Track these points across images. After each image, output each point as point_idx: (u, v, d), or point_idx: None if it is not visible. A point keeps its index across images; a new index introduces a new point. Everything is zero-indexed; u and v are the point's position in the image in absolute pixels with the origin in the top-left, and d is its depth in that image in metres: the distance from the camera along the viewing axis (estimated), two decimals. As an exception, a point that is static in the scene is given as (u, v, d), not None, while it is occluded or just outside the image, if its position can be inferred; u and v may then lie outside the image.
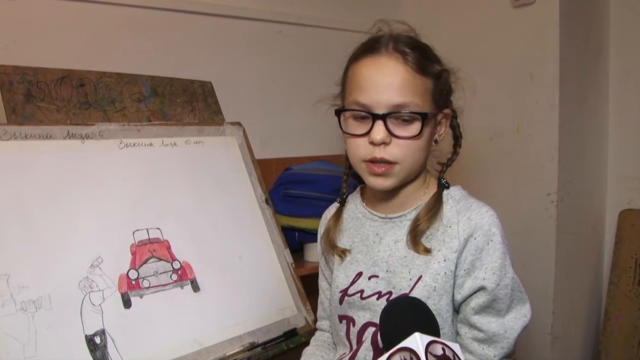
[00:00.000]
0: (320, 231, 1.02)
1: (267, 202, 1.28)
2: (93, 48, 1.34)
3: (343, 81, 0.90)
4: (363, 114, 0.83)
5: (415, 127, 0.82)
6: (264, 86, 1.67)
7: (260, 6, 1.64)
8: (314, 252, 1.40)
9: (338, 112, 0.87)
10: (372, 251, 0.90)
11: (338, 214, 0.99)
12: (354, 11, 1.83)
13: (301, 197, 1.41)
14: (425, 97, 0.83)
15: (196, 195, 1.17)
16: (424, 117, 0.82)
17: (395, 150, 0.82)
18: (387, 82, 0.81)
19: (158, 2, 1.44)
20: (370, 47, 0.85)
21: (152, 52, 1.44)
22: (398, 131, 0.82)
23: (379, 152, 0.82)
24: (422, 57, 0.83)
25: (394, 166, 0.83)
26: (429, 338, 0.64)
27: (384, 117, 0.81)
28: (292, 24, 1.71)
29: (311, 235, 1.38)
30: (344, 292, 0.92)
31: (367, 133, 0.82)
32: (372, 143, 0.82)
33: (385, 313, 0.74)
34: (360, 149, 0.84)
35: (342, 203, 1.00)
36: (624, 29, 1.71)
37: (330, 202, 1.06)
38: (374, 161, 0.83)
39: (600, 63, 1.73)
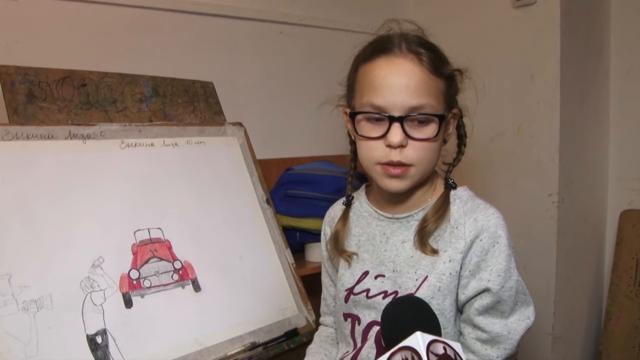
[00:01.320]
0: (326, 230, 1.02)
1: (268, 202, 1.28)
2: (94, 48, 1.35)
3: (352, 82, 0.89)
4: (378, 116, 0.82)
5: (431, 129, 0.82)
6: (265, 86, 1.67)
7: (262, 7, 1.64)
8: (315, 252, 1.40)
9: (353, 115, 0.86)
10: (379, 250, 0.90)
11: (345, 216, 0.97)
12: (355, 12, 1.83)
13: (302, 197, 1.41)
14: (439, 98, 0.83)
15: (197, 195, 1.17)
16: (440, 119, 0.81)
17: (411, 153, 0.81)
18: (403, 83, 0.80)
19: (160, 2, 1.45)
20: (382, 47, 0.83)
21: (154, 53, 1.44)
22: (415, 133, 0.81)
23: (396, 155, 0.81)
24: (435, 58, 0.83)
25: (410, 168, 0.82)
26: (431, 337, 0.64)
27: (401, 120, 0.80)
28: (293, 24, 1.71)
29: (312, 236, 1.38)
30: (350, 291, 0.92)
31: (383, 135, 0.81)
32: (389, 146, 0.81)
33: (386, 312, 0.74)
34: (375, 152, 0.83)
35: (348, 205, 0.99)
36: (625, 29, 1.71)
37: (331, 202, 1.06)
38: (390, 164, 0.82)
39: (601, 63, 1.73)
